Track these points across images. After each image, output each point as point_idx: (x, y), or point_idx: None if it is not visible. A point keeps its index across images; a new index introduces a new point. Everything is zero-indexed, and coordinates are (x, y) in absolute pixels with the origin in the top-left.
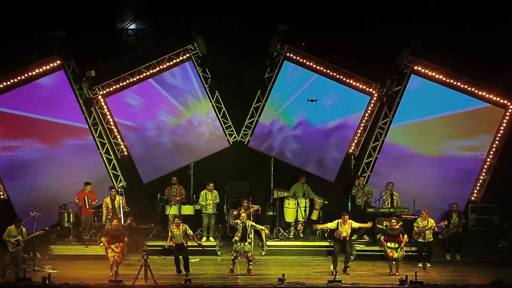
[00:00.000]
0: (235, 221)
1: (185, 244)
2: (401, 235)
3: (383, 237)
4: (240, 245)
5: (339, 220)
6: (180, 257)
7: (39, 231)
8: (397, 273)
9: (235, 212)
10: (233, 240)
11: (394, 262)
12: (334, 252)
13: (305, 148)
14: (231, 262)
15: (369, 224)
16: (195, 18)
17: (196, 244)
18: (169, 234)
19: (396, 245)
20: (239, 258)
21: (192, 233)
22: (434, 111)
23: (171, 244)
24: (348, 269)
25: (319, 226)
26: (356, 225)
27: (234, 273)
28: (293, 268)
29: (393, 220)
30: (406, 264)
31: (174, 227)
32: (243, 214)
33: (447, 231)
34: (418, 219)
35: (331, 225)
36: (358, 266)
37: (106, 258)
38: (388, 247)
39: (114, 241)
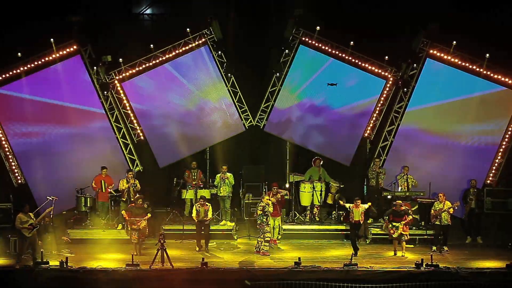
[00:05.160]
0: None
1: (206, 222)
2: (406, 216)
3: (387, 217)
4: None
5: (351, 205)
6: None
7: (48, 208)
8: (403, 255)
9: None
10: (264, 223)
11: (398, 243)
12: (351, 237)
13: (320, 132)
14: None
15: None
16: (210, 2)
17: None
18: (194, 209)
19: (398, 225)
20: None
21: (211, 216)
22: (449, 95)
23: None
24: (356, 253)
25: (342, 202)
26: (364, 206)
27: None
28: (309, 252)
29: (399, 202)
30: (422, 247)
31: (199, 205)
32: (267, 198)
33: (467, 207)
34: (435, 202)
35: (347, 205)
36: (374, 249)
37: (129, 236)
38: (393, 226)
39: (136, 218)
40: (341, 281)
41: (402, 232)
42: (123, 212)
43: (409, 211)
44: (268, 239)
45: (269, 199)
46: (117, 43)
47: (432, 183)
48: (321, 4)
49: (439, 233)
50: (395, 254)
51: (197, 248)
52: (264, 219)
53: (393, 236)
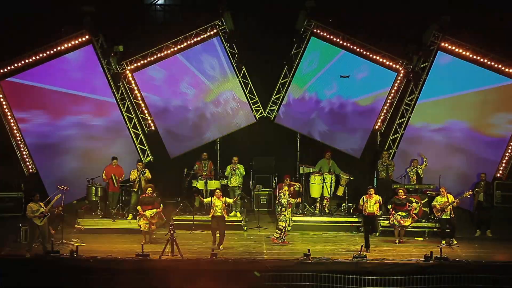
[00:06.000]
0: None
1: (223, 216)
2: (408, 204)
3: (390, 206)
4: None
5: (365, 196)
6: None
7: (57, 196)
8: (401, 241)
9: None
10: (277, 213)
11: (399, 230)
12: (365, 230)
13: (331, 124)
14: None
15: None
16: None
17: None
18: (210, 203)
19: (404, 214)
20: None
21: (231, 201)
22: (460, 88)
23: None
24: (368, 248)
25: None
26: (379, 197)
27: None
28: (319, 244)
29: (400, 191)
30: (431, 240)
31: (215, 198)
32: (285, 189)
33: (474, 199)
34: (436, 197)
35: (361, 202)
36: (382, 241)
37: (139, 227)
38: (399, 215)
39: (147, 208)
40: (350, 273)
41: (404, 224)
42: (138, 208)
43: (413, 200)
44: (281, 227)
45: (286, 190)
46: (129, 33)
47: (442, 176)
48: None
49: (445, 226)
50: (398, 241)
51: (213, 245)
52: (278, 209)
53: (404, 224)
